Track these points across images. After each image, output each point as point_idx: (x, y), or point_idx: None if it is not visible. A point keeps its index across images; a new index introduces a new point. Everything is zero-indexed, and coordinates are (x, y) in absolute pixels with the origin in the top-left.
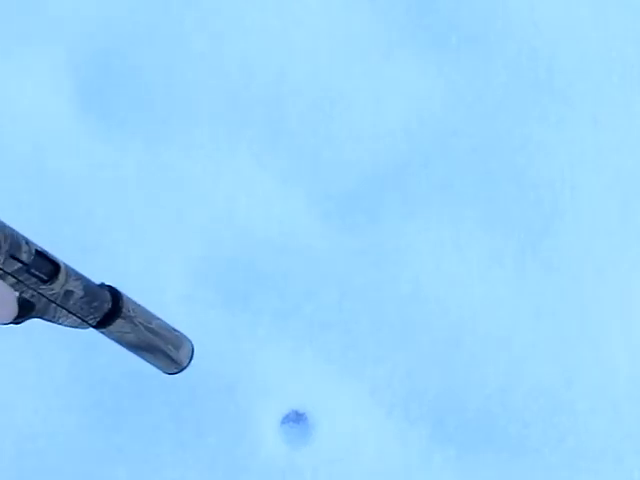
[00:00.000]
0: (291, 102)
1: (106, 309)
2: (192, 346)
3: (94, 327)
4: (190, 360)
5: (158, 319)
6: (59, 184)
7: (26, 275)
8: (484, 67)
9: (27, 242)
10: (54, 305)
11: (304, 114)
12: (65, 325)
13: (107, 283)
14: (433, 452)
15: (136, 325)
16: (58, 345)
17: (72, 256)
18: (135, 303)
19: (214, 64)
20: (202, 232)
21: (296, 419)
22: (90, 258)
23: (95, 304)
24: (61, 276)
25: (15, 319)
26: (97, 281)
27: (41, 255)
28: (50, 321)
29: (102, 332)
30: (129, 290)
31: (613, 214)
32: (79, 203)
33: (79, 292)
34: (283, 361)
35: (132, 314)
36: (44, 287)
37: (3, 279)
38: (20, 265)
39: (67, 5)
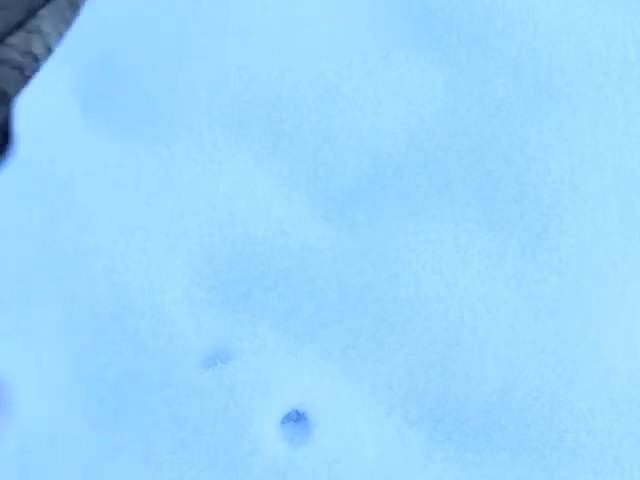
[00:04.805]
0: (291, 102)
1: None
2: None
3: None
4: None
5: None
6: (59, 184)
7: None
8: (484, 67)
9: None
10: None
11: (304, 114)
12: None
13: None
14: (433, 452)
15: None
16: (58, 345)
17: (72, 256)
18: None
19: (214, 64)
20: (202, 232)
21: (296, 419)
22: (90, 258)
23: None
24: None
25: None
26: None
27: None
28: None
29: None
30: (129, 290)
31: (613, 214)
32: (79, 203)
33: None
34: (283, 361)
35: None
36: None
37: None
38: None
39: None
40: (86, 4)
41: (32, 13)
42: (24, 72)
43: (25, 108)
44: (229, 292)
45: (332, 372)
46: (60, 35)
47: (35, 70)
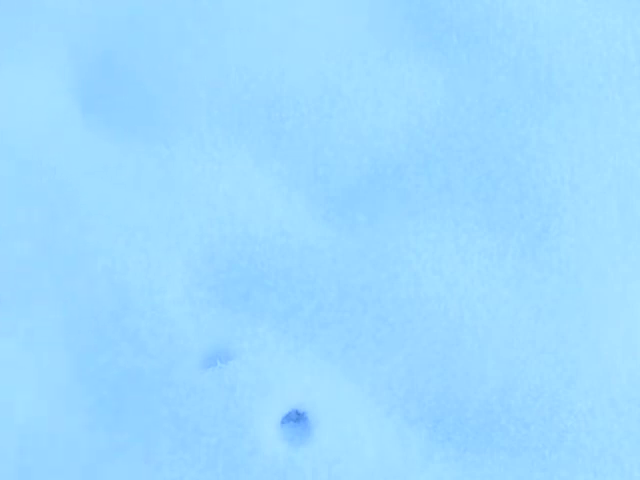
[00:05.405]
0: (291, 102)
1: None
2: None
3: None
4: None
5: None
6: (59, 184)
7: None
8: (484, 67)
9: None
10: None
11: (304, 114)
12: None
13: None
14: (433, 452)
15: None
16: (59, 345)
17: (72, 256)
18: None
19: (214, 64)
20: (202, 232)
21: (296, 419)
22: (90, 258)
23: None
24: None
25: None
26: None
27: None
28: None
29: None
30: (129, 290)
31: (613, 214)
32: (79, 203)
33: None
34: (283, 361)
35: None
36: None
37: None
38: None
39: (69, 5)
40: None
41: None
42: None
43: (25, 108)
44: (229, 292)
45: (332, 372)
46: None
47: None
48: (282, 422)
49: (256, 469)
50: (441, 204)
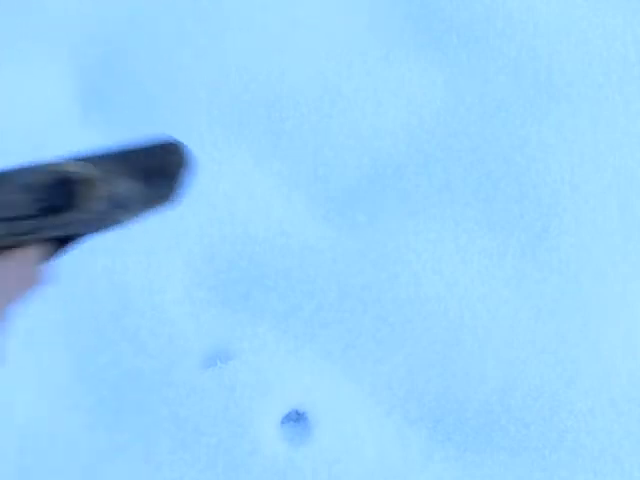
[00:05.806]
0: (291, 102)
1: None
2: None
3: None
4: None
5: None
6: None
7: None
8: (484, 67)
9: None
10: None
11: (304, 114)
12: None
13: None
14: (433, 452)
15: None
16: (59, 345)
17: (73, 256)
18: None
19: (214, 64)
20: (202, 232)
21: (296, 419)
22: (90, 258)
23: None
24: None
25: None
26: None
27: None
28: None
29: None
30: (129, 290)
31: (613, 214)
32: None
33: None
34: (283, 361)
35: None
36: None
37: None
38: None
39: (69, 5)
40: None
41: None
42: None
43: (26, 108)
44: (229, 292)
45: (332, 372)
46: None
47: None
48: (282, 422)
49: (256, 469)
50: (441, 204)
